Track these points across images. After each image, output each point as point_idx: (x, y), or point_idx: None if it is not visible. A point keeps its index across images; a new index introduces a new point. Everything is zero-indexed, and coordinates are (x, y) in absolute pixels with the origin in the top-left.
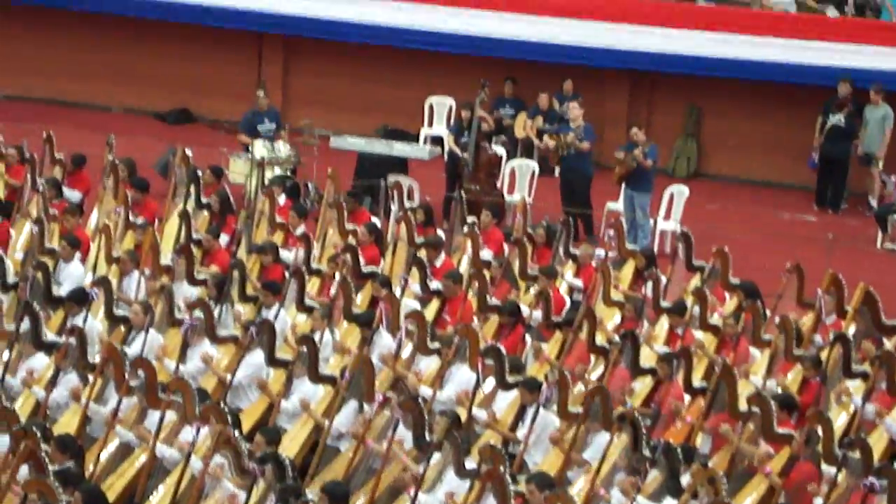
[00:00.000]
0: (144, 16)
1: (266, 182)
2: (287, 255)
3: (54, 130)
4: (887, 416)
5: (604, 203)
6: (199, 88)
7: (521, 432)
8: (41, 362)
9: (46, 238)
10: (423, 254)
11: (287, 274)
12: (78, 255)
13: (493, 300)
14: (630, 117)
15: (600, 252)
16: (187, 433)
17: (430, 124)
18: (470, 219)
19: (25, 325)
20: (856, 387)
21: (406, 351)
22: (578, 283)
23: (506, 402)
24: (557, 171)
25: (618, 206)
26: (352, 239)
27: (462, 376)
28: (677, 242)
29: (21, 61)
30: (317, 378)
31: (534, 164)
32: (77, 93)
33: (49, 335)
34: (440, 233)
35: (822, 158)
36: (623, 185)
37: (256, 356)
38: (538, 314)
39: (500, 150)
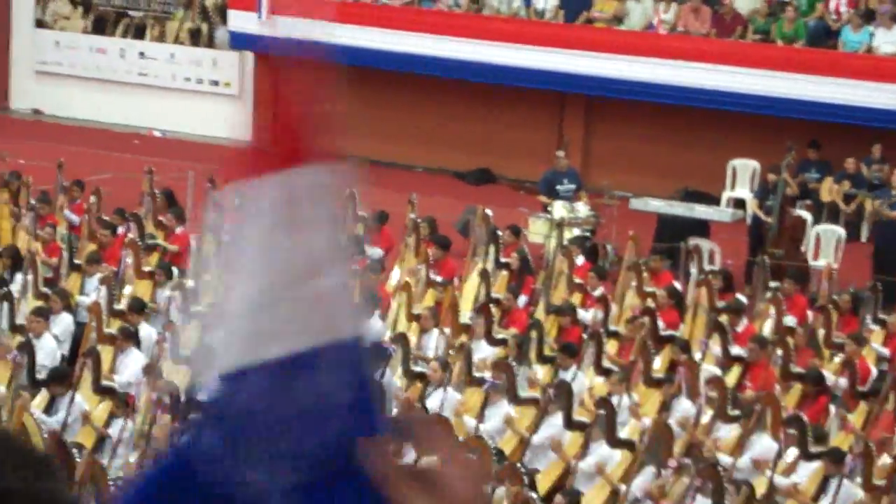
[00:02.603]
0: (447, 76)
1: (565, 242)
2: (585, 316)
3: (358, 188)
4: None
5: None
6: (500, 148)
7: None
8: None
9: None
10: (724, 318)
11: (585, 336)
12: (378, 311)
13: (797, 368)
14: None
15: None
16: None
17: (733, 187)
18: (773, 284)
19: None
20: None
21: (705, 417)
22: (886, 352)
23: (808, 472)
24: (864, 236)
25: None
26: (651, 302)
27: (762, 445)
28: None
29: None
30: (614, 442)
31: (840, 230)
32: (381, 152)
33: None
34: (741, 297)
35: None
36: None
37: (555, 418)
38: (843, 383)
39: (805, 215)
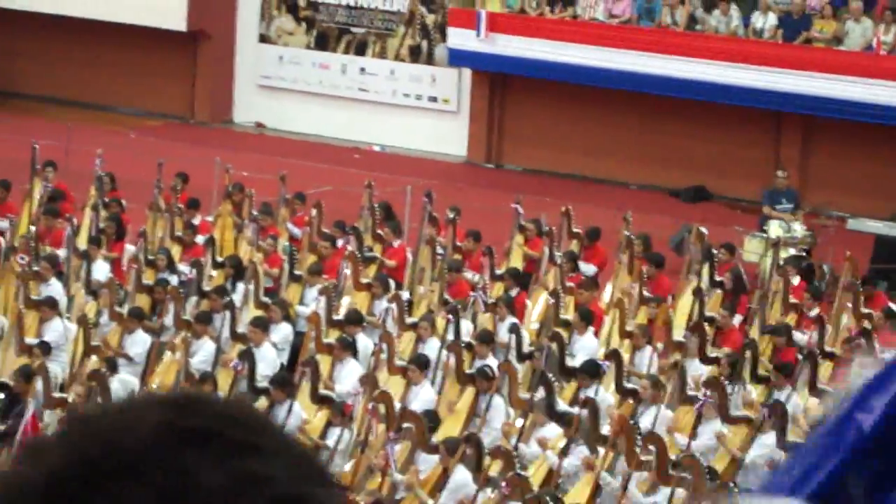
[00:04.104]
0: (664, 94)
1: (781, 262)
2: (800, 336)
3: (573, 204)
4: None
5: None
6: (715, 166)
7: None
8: (553, 432)
9: (562, 310)
10: None
11: (800, 356)
12: (591, 328)
13: None
14: None
15: None
16: None
17: None
18: None
19: (540, 394)
20: None
21: None
22: None
23: None
24: None
25: None
26: (867, 323)
27: None
28: None
29: (545, 137)
30: None
31: None
32: (596, 168)
33: (562, 405)
34: None
35: None
36: None
37: (768, 438)
38: None
39: None
